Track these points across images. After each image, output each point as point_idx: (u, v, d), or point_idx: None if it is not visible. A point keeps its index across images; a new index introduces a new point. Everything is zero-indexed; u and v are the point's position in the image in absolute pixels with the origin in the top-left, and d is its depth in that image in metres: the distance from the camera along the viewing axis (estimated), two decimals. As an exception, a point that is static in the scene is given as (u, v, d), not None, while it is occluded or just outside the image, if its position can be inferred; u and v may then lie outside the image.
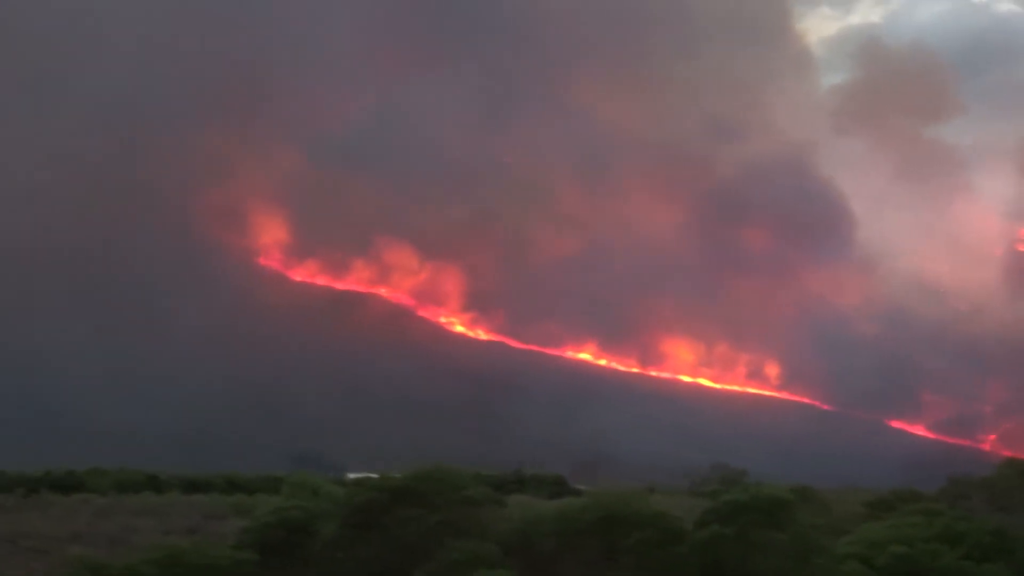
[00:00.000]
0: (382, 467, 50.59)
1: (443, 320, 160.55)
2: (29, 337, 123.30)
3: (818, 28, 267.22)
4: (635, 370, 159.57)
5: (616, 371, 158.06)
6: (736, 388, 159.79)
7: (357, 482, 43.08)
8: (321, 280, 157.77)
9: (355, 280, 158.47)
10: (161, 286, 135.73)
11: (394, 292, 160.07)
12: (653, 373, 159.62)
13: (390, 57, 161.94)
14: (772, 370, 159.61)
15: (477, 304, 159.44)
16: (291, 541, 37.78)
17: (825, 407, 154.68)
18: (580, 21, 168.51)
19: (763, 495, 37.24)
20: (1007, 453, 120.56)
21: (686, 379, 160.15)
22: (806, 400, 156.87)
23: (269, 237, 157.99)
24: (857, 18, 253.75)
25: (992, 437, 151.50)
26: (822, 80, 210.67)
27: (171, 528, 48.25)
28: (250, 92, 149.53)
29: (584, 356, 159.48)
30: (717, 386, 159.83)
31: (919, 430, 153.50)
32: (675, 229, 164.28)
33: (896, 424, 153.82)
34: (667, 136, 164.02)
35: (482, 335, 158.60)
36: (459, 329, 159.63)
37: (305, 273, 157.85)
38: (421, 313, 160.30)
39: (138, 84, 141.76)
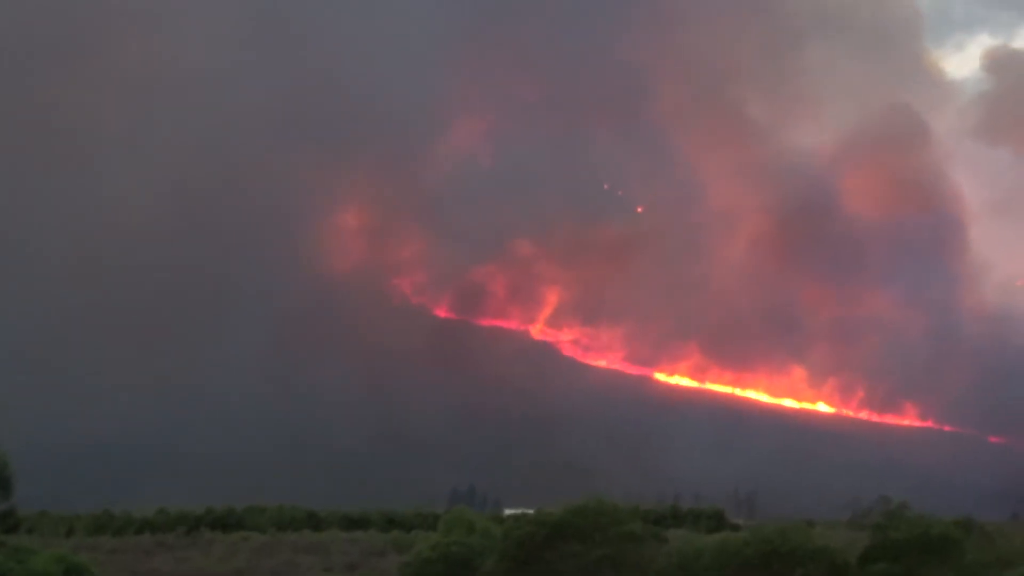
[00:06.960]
0: (536, 503, 50.71)
1: (577, 351, 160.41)
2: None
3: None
4: (764, 397, 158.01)
5: (744, 400, 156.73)
6: (869, 418, 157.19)
7: (515, 518, 43.03)
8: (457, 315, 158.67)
9: (493, 315, 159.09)
10: (312, 319, 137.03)
11: (532, 327, 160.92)
12: (783, 403, 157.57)
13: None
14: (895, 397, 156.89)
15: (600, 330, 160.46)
16: (451, 576, 37.92)
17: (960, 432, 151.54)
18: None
19: (931, 532, 36.31)
20: None
21: (811, 408, 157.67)
22: (948, 428, 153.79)
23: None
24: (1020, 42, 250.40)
25: None
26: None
27: (332, 565, 48.89)
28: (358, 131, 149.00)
29: (722, 388, 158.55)
30: (850, 416, 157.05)
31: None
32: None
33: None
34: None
35: (622, 368, 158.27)
36: (598, 363, 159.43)
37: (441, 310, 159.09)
38: (554, 344, 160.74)
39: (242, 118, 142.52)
